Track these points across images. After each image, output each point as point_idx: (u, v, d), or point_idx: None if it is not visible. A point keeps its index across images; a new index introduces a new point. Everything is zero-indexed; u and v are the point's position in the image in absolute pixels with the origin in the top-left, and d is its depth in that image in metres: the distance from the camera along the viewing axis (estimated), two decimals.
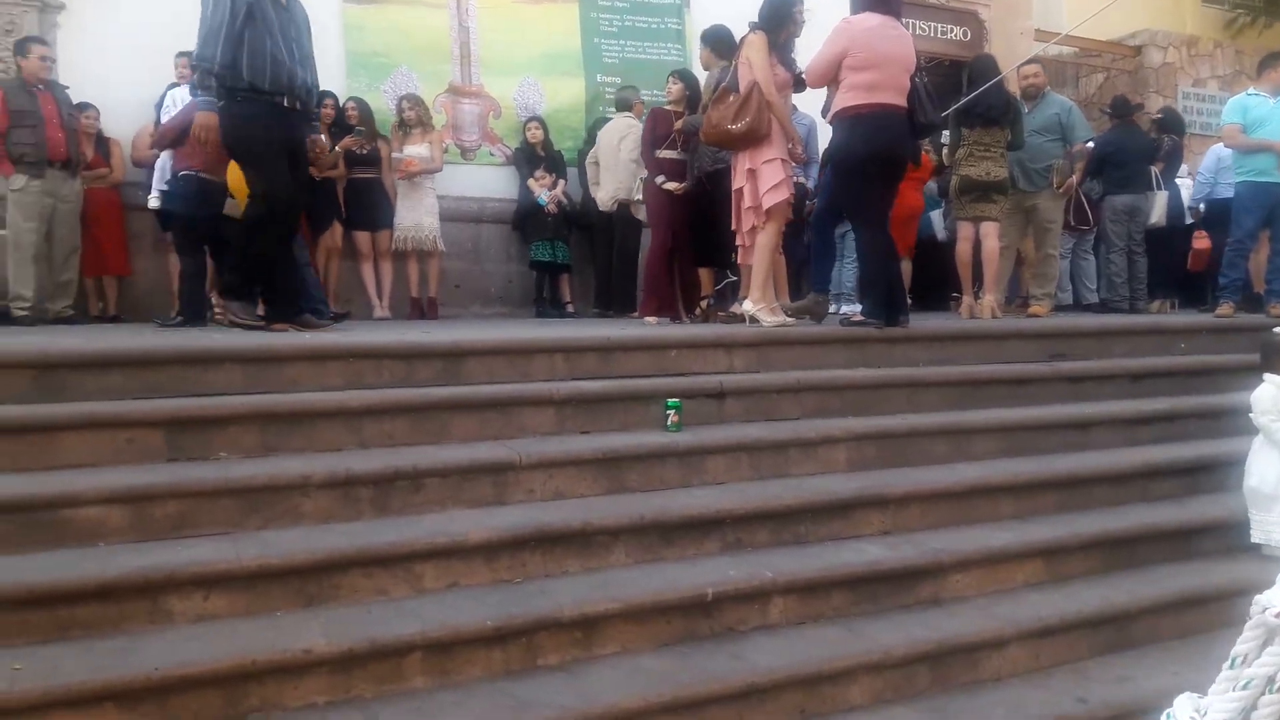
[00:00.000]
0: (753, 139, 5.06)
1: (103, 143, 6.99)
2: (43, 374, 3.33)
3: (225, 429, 3.37)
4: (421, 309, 7.87)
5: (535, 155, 8.18)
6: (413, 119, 7.66)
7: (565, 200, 8.16)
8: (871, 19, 4.83)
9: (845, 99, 4.82)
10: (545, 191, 8.00)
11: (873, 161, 4.80)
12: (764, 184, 5.02)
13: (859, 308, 6.60)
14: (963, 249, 6.94)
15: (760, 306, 5.17)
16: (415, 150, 7.61)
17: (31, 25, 6.98)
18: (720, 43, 5.94)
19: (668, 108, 6.51)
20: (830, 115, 4.98)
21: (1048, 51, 10.72)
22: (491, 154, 8.48)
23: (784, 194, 5.11)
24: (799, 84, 5.32)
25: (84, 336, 4.19)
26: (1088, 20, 8.52)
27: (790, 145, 5.16)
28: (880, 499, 3.88)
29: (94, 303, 7.02)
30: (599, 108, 8.61)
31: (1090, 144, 7.75)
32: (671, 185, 6.28)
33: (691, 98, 6.36)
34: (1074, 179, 7.23)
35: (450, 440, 3.71)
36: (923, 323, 5.43)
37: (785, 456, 4.02)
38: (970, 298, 7.05)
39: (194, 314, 6.06)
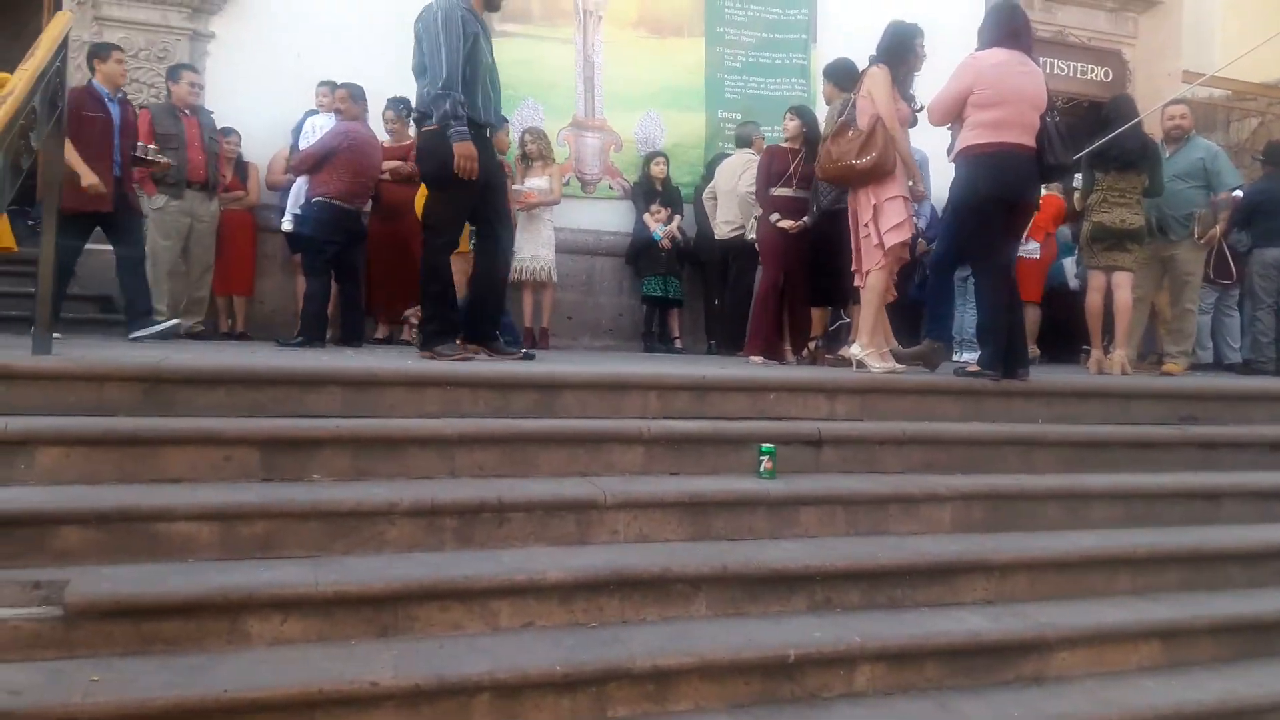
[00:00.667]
0: (877, 175, 4.91)
1: (241, 166, 7.34)
2: (153, 388, 3.45)
3: (319, 452, 3.43)
4: (533, 338, 7.95)
5: (654, 190, 8.20)
6: (534, 152, 7.78)
7: (680, 236, 8.14)
8: (999, 54, 4.64)
9: (969, 137, 4.63)
10: (660, 226, 8.00)
11: (996, 202, 4.58)
12: (886, 222, 4.87)
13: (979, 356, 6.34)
14: (1093, 300, 6.58)
15: (869, 351, 5.00)
16: (535, 183, 7.73)
17: (183, 52, 7.43)
18: (843, 76, 5.82)
19: (784, 144, 6.41)
20: (953, 154, 4.79)
21: (1197, 94, 10.15)
22: (610, 187, 8.54)
23: (905, 234, 4.96)
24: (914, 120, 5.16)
25: (199, 353, 4.36)
26: (1239, 60, 7.98)
27: (911, 183, 4.98)
28: (985, 564, 3.65)
29: (223, 319, 7.36)
30: (719, 143, 8.58)
31: (1238, 192, 7.26)
32: (786, 223, 6.17)
33: (809, 134, 6.25)
34: (1218, 229, 6.76)
35: (538, 474, 3.68)
36: (1044, 376, 5.14)
37: (884, 513, 3.83)
38: (1099, 351, 6.67)
39: (314, 335, 6.27)
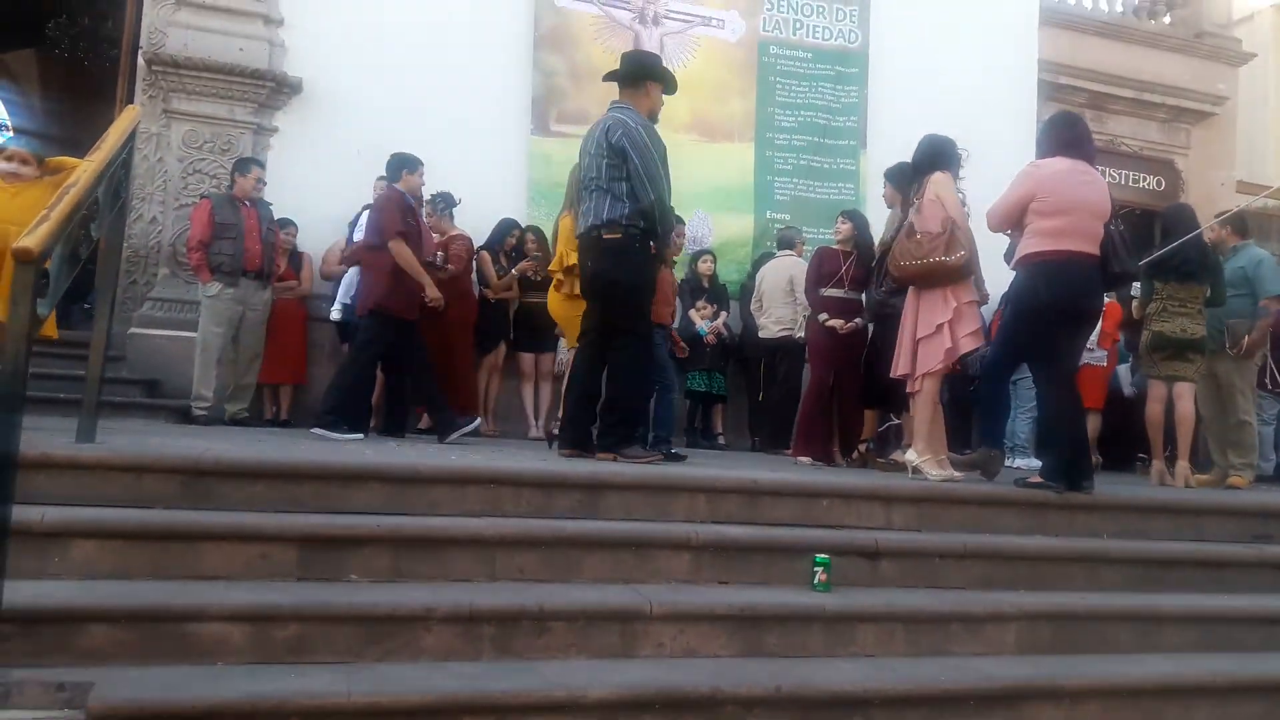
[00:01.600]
0: (965, 274, 4.81)
1: (295, 257, 7.45)
2: (193, 480, 3.39)
3: (359, 551, 3.32)
4: None
5: (700, 287, 8.19)
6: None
7: (725, 332, 8.09)
8: (1060, 163, 4.57)
9: (1030, 244, 4.53)
10: (706, 322, 7.96)
11: (1058, 310, 4.46)
12: (963, 328, 4.76)
13: (1035, 463, 6.12)
14: (1154, 410, 6.37)
15: (925, 458, 4.82)
16: None
17: (247, 145, 7.63)
18: (904, 179, 5.79)
19: (835, 247, 6.37)
20: (1014, 260, 4.69)
21: (1253, 203, 10.04)
22: None
23: (979, 341, 4.84)
24: None
25: (241, 443, 4.31)
26: None
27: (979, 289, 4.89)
28: (1054, 690, 3.41)
29: (268, 407, 7.36)
30: (766, 242, 8.59)
31: None
32: (835, 322, 6.08)
33: (860, 238, 6.22)
34: (1250, 339, 6.40)
35: (581, 579, 3.53)
36: (1109, 489, 4.92)
37: (946, 632, 3.62)
38: (1160, 463, 6.42)
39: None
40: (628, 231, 4.82)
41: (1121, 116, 11.09)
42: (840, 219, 6.39)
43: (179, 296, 7.28)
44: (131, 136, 3.68)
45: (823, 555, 3.68)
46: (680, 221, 6.70)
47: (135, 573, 3.05)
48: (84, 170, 3.06)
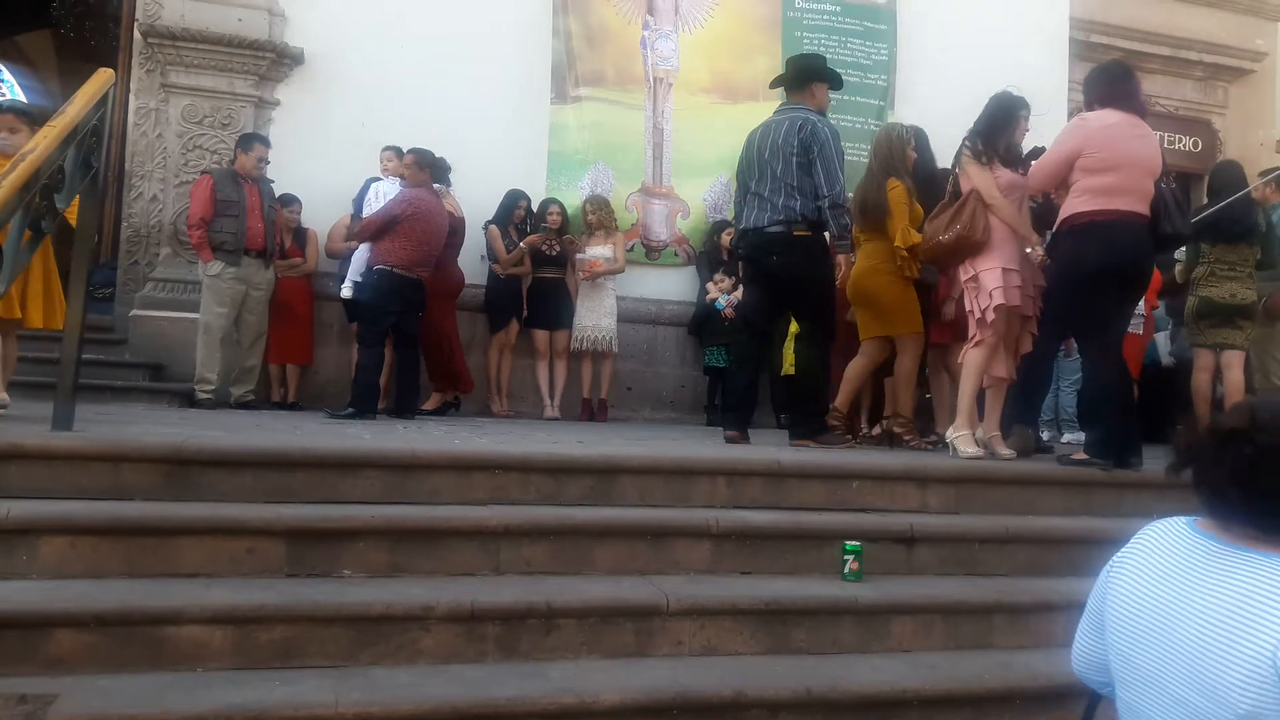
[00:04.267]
0: (966, 250, 4.52)
1: (301, 234, 7.19)
2: (175, 470, 3.16)
3: (353, 544, 3.09)
4: (592, 410, 7.61)
5: (720, 259, 7.88)
6: (594, 222, 7.54)
7: None
8: (1111, 116, 4.21)
9: (1077, 204, 4.19)
10: (724, 295, 7.65)
11: (1108, 275, 4.12)
12: (983, 292, 4.45)
13: (1082, 436, 5.79)
14: (1201, 380, 6.01)
15: (962, 433, 4.53)
16: (599, 251, 7.47)
17: (248, 119, 7.36)
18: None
19: None
20: (1058, 223, 4.35)
21: None
22: (675, 254, 8.24)
23: (1002, 301, 4.48)
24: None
25: (231, 429, 4.06)
26: None
27: (1030, 250, 4.51)
28: None
29: (276, 389, 7.14)
30: None
31: None
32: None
33: None
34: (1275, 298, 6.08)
35: (593, 571, 3.28)
36: (1159, 465, 4.59)
37: (989, 624, 3.35)
38: None
39: (365, 407, 5.99)
40: (816, 228, 5.00)
41: (1156, 75, 10.60)
42: None
43: (181, 277, 7.04)
44: (104, 101, 3.43)
45: (853, 542, 3.41)
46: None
47: (108, 571, 2.84)
48: (42, 137, 2.80)
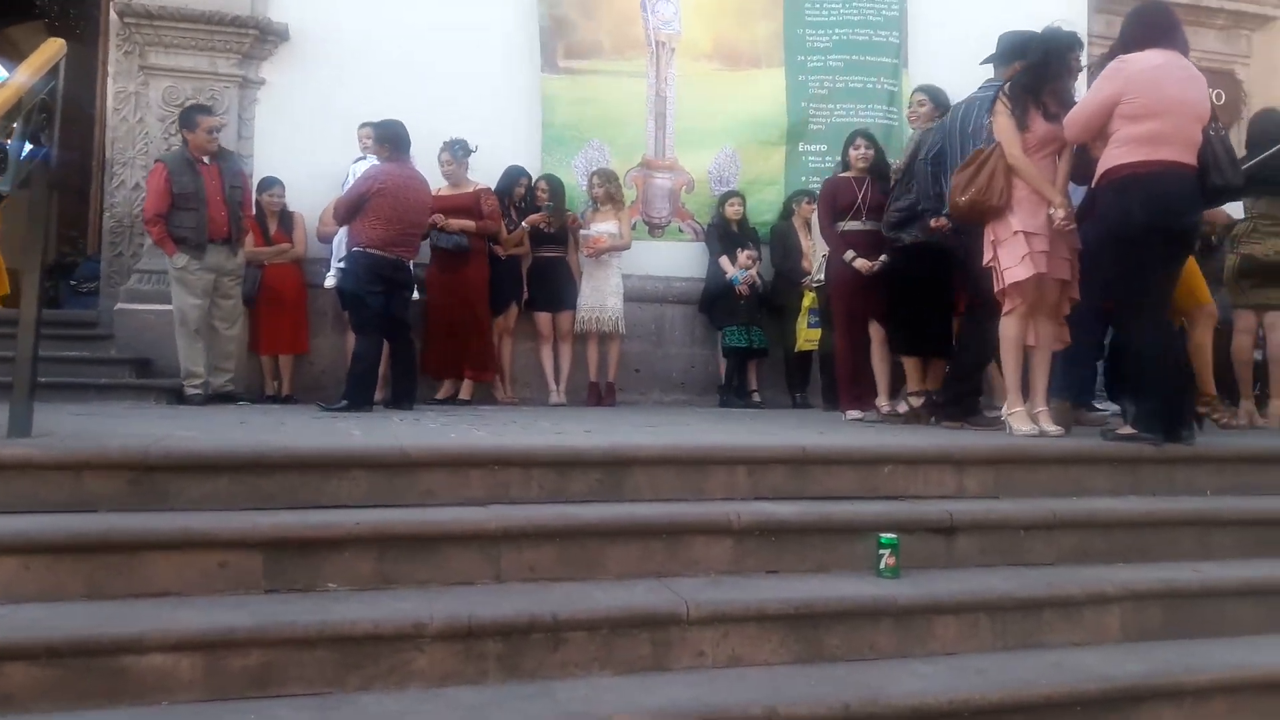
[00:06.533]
0: (983, 213, 4.21)
1: (287, 217, 6.88)
2: (141, 477, 2.88)
3: (338, 554, 2.81)
4: (599, 394, 7.30)
5: (729, 232, 7.54)
6: (601, 195, 7.21)
7: (759, 281, 7.44)
8: (1154, 57, 3.86)
9: (1117, 155, 3.83)
10: (740, 271, 7.29)
11: (1155, 232, 3.78)
12: (1005, 261, 4.13)
13: (1112, 409, 5.47)
14: (1242, 343, 5.69)
15: (1016, 411, 4.23)
16: (603, 227, 7.14)
17: (232, 100, 7.03)
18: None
19: (847, 174, 5.71)
20: (1096, 177, 4.00)
21: None
22: (681, 230, 7.90)
23: (1025, 273, 4.15)
24: None
25: (206, 429, 3.76)
26: None
27: (1052, 210, 4.17)
28: (1175, 688, 2.87)
29: (269, 381, 6.85)
30: (801, 178, 7.87)
31: None
32: (861, 263, 5.42)
33: (876, 163, 5.63)
34: None
35: (604, 576, 3.00)
36: (1211, 439, 4.30)
37: (1038, 620, 3.06)
38: (1250, 402, 5.75)
39: (359, 399, 5.68)
40: None
41: None
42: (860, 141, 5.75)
43: (167, 268, 6.75)
44: (54, 72, 3.12)
45: (889, 535, 3.12)
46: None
47: (67, 594, 2.56)
48: None
